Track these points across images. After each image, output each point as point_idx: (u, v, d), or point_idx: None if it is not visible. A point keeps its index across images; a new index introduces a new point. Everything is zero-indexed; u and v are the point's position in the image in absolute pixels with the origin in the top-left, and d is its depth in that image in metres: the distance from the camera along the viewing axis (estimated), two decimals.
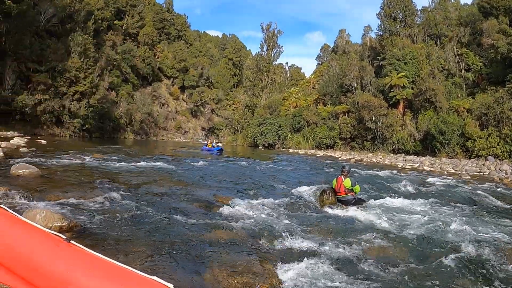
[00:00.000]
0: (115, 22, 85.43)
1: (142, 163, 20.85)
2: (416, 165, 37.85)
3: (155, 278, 2.62)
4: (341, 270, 6.84)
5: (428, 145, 45.81)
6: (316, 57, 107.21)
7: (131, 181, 14.02)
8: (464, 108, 45.35)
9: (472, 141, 40.83)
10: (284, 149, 64.28)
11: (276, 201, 12.35)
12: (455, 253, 8.04)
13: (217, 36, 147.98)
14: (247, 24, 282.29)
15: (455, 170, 33.36)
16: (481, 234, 9.93)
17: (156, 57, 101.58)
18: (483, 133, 40.33)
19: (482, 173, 31.87)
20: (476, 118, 42.61)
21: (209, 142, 46.28)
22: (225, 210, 10.51)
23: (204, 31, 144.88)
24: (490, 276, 7.14)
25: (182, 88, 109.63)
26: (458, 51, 53.80)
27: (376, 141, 52.85)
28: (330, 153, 54.37)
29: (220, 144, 45.94)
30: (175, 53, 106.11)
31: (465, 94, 50.44)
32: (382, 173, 25.86)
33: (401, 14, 62.49)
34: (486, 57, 50.95)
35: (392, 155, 47.69)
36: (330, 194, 13.21)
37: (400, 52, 55.20)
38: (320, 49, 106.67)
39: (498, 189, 21.10)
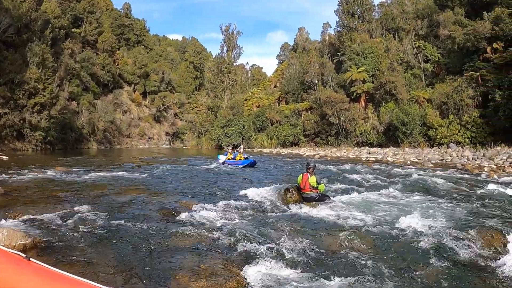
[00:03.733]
0: (72, 30, 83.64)
1: (106, 173, 20.29)
2: (379, 156, 38.17)
3: None
4: (307, 268, 6.88)
5: (391, 136, 46.46)
6: (276, 56, 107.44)
7: (95, 193, 13.68)
8: (424, 98, 46.26)
9: (434, 130, 41.77)
10: (249, 149, 63.89)
11: (240, 202, 12.28)
12: (418, 241, 8.23)
13: (177, 39, 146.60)
14: (208, 26, 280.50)
15: (418, 159, 33.78)
16: (444, 221, 10.13)
17: (116, 63, 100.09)
18: (444, 121, 41.25)
19: (444, 160, 32.29)
20: (436, 107, 43.60)
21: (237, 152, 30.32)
22: (189, 215, 10.32)
23: (163, 35, 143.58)
24: (456, 262, 7.32)
25: (144, 94, 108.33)
26: (416, 43, 54.59)
27: (340, 136, 53.34)
28: (294, 150, 54.63)
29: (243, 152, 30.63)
30: (135, 58, 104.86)
31: (424, 84, 51.39)
32: (346, 167, 25.97)
33: (358, 10, 63.37)
34: (443, 48, 51.86)
35: (356, 148, 48.09)
36: (294, 192, 13.13)
37: (359, 47, 55.92)
38: (280, 47, 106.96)
39: (460, 175, 21.63)
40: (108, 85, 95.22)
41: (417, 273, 6.80)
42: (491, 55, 41.50)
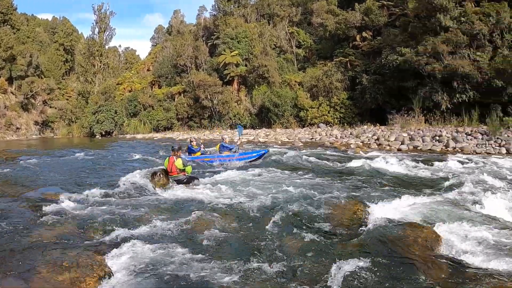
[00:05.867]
0: None
1: None
2: (251, 137, 38.64)
3: None
4: (174, 249, 7.10)
5: (263, 118, 47.55)
6: (150, 39, 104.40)
7: None
8: (296, 81, 47.55)
9: (305, 111, 43.28)
10: (122, 135, 62.21)
11: (108, 190, 12.01)
12: (284, 216, 8.74)
13: (47, 19, 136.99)
14: (81, 5, 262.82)
15: (289, 139, 34.61)
16: (310, 194, 10.79)
17: None
18: (315, 103, 42.89)
19: (314, 139, 33.39)
20: (307, 90, 45.08)
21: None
22: (55, 207, 9.69)
23: (32, 14, 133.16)
24: (321, 232, 7.95)
25: (10, 80, 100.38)
26: (289, 29, 56.07)
27: (213, 119, 53.29)
28: (168, 134, 53.86)
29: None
30: (0, 40, 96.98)
31: (296, 68, 53.06)
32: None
33: None
34: (316, 35, 54.41)
35: (229, 130, 48.32)
36: (161, 175, 13.26)
37: (233, 31, 55.86)
38: (154, 30, 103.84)
39: (328, 152, 23.39)
40: None
41: (282, 245, 7.30)
42: (360, 43, 44.16)
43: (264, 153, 19.83)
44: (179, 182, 12.88)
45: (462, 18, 32.23)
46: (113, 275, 6.08)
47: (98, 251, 6.76)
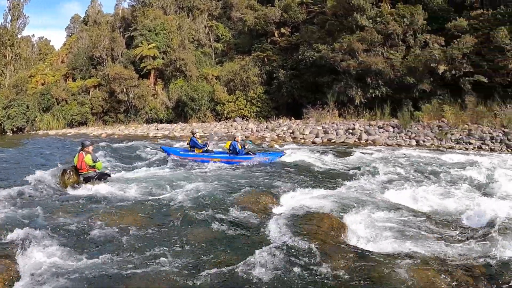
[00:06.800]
0: None
1: None
2: (167, 132, 38.79)
3: None
4: (82, 248, 7.10)
5: (180, 112, 46.88)
6: (65, 28, 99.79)
7: None
8: (213, 75, 47.31)
9: (221, 105, 43.19)
10: (34, 131, 58.95)
11: (16, 190, 11.57)
12: (195, 210, 9.04)
13: None
14: None
15: (205, 133, 34.45)
16: (219, 188, 11.37)
17: None
18: (231, 97, 42.90)
19: (229, 133, 33.48)
20: (224, 84, 45.00)
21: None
22: None
23: None
24: (229, 224, 8.37)
25: None
26: (208, 23, 55.87)
27: (129, 113, 51.93)
28: (82, 130, 51.91)
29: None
30: None
31: (214, 62, 52.95)
32: (130, 144, 26.43)
33: None
34: (235, 29, 54.76)
35: (145, 125, 47.74)
36: (72, 173, 12.94)
37: (151, 23, 54.88)
38: (70, 19, 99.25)
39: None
40: None
41: (192, 240, 7.52)
42: (278, 39, 44.83)
43: (281, 156, 17.98)
44: (89, 179, 12.69)
45: (378, 18, 33.69)
46: (21, 278, 6.01)
47: (5, 254, 6.61)
